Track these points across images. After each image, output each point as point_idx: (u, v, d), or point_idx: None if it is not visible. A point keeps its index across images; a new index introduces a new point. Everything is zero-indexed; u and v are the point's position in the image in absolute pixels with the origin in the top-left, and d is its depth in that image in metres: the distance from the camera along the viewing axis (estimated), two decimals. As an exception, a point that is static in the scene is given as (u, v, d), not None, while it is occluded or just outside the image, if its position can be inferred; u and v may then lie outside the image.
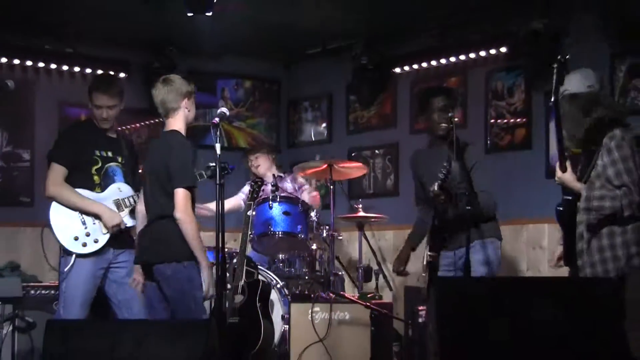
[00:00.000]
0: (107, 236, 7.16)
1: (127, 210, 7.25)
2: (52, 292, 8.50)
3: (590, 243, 6.36)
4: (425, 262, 7.36)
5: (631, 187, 6.15)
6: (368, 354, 7.63)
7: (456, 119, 7.26)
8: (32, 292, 8.63)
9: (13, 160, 10.04)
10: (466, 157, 7.37)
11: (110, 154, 7.36)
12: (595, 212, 6.25)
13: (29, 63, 9.98)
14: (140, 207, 6.83)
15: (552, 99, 6.38)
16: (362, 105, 10.97)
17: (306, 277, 9.19)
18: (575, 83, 6.54)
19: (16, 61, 9.90)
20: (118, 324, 6.76)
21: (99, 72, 10.07)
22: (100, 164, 7.30)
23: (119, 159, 7.39)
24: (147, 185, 6.77)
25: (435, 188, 6.82)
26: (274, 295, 8.66)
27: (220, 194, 6.19)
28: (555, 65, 6.34)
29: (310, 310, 8.28)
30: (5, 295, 8.12)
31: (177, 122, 6.71)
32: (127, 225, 7.24)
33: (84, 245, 7.12)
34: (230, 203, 9.39)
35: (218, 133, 6.32)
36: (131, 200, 7.26)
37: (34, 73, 10.11)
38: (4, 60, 9.82)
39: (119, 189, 7.30)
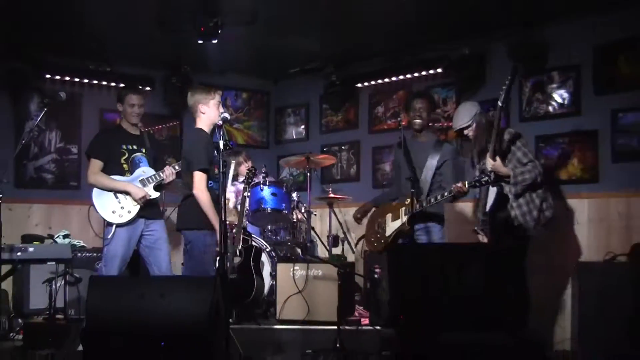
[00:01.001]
0: (138, 207, 7.28)
1: (151, 186, 7.38)
2: (95, 254, 8.53)
3: (520, 208, 6.90)
4: (395, 230, 7.37)
5: (536, 162, 6.86)
6: (336, 301, 7.63)
7: (403, 123, 7.30)
8: (79, 254, 8.67)
9: (65, 154, 10.02)
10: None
11: (135, 146, 7.48)
12: (520, 184, 6.74)
13: (76, 79, 9.96)
14: None
15: (502, 103, 6.73)
16: (332, 111, 10.95)
17: (289, 243, 9.20)
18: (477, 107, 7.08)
19: (67, 78, 9.87)
20: (146, 280, 6.79)
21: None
22: (127, 155, 7.43)
23: (143, 150, 7.51)
24: (181, 171, 7.09)
25: (466, 186, 6.86)
26: (264, 257, 8.69)
27: (224, 180, 6.19)
28: (509, 77, 6.81)
29: (292, 269, 8.30)
30: (59, 257, 8.14)
31: (199, 122, 6.98)
32: (152, 197, 7.38)
33: (120, 216, 7.24)
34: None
35: (222, 132, 6.40)
36: (153, 178, 7.40)
37: (80, 87, 10.06)
38: (57, 77, 9.80)
39: (143, 171, 7.42)
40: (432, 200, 7.11)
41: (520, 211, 6.91)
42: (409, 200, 7.19)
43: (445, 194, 6.98)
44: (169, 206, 9.19)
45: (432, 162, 7.39)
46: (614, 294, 6.98)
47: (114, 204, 7.27)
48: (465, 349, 4.95)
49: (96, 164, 7.33)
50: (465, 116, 7.21)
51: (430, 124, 7.68)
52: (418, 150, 7.49)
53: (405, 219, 7.23)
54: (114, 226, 7.21)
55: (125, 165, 7.40)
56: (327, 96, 10.74)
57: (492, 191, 7.01)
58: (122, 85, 9.84)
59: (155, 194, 7.39)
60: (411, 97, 7.93)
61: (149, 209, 7.40)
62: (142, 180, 7.37)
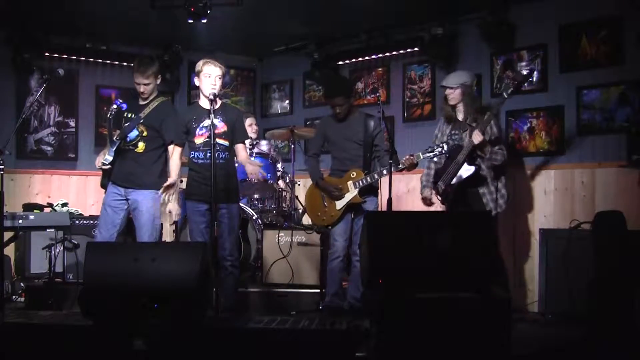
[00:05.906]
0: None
1: (112, 150, 7.15)
2: (92, 222, 8.47)
3: (489, 187, 7.11)
4: (347, 202, 7.35)
5: (504, 148, 6.99)
6: (318, 266, 7.66)
7: (382, 98, 7.31)
8: (77, 221, 8.60)
9: (63, 127, 9.96)
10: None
11: (133, 115, 7.16)
12: (492, 161, 7.03)
13: (73, 57, 9.91)
14: None
15: (507, 95, 6.95)
16: (314, 87, 10.94)
17: (274, 211, 9.17)
18: (463, 76, 7.13)
19: (65, 56, 9.83)
20: (139, 245, 6.73)
21: (125, 63, 10.04)
22: (123, 122, 7.20)
23: (132, 117, 7.15)
24: None
25: (421, 157, 6.97)
26: (251, 224, 8.66)
27: (214, 149, 6.18)
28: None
29: (277, 235, 8.30)
30: (58, 224, 8.09)
31: None
32: (102, 164, 7.18)
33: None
34: None
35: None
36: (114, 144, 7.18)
37: (78, 64, 9.99)
38: (56, 55, 9.76)
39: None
40: (384, 172, 7.04)
41: (488, 189, 7.07)
42: (355, 173, 7.25)
43: (400, 166, 6.95)
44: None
45: (367, 135, 7.35)
46: (577, 260, 7.04)
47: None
48: (436, 305, 4.98)
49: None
50: (453, 79, 7.33)
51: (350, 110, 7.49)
52: (345, 126, 7.46)
53: (356, 191, 7.24)
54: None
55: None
56: (310, 73, 10.64)
57: (464, 168, 7.09)
58: (116, 62, 9.98)
59: (107, 159, 7.15)
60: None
61: (127, 177, 7.14)
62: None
